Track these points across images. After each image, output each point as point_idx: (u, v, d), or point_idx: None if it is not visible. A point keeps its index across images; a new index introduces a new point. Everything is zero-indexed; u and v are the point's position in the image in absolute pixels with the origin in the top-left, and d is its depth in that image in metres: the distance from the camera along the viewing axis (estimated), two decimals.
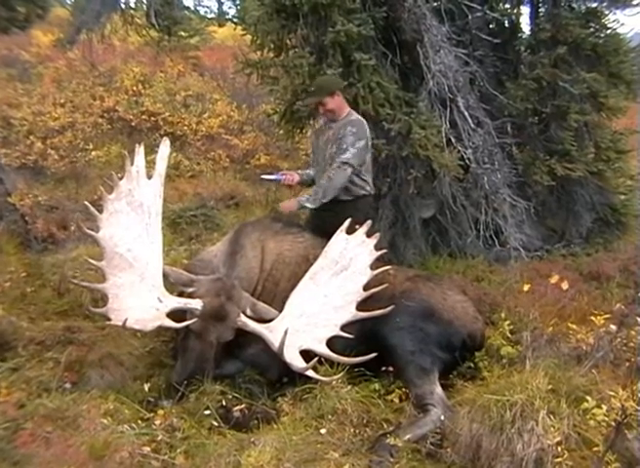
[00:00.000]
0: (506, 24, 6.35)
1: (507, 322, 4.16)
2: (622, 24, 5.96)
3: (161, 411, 3.41)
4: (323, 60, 5.24)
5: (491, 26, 6.30)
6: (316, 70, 5.21)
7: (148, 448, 3.09)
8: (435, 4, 5.80)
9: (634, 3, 5.98)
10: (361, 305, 3.92)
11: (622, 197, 6.43)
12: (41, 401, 3.28)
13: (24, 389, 3.44)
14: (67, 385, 3.60)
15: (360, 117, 4.77)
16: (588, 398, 2.88)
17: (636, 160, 7.46)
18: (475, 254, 5.84)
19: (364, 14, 5.31)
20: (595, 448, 2.81)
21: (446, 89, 5.64)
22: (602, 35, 5.89)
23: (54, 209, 6.03)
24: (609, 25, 5.94)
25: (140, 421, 3.34)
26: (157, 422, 3.32)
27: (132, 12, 9.45)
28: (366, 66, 5.22)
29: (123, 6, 9.21)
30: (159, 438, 3.20)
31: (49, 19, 15.57)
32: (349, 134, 4.57)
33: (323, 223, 4.60)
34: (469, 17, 5.91)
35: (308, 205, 4.55)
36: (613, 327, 3.71)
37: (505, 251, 5.84)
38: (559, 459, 2.82)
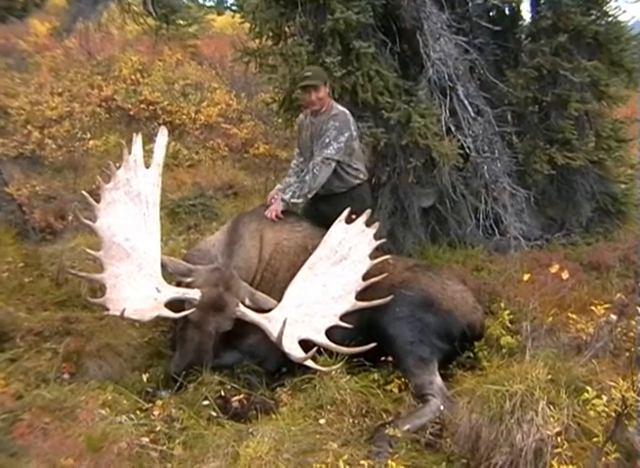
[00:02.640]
0: (507, 12, 6.29)
1: (507, 312, 4.15)
2: (624, 12, 5.92)
3: (159, 402, 3.42)
4: (322, 48, 5.19)
5: (491, 14, 6.24)
6: (315, 58, 5.17)
7: (147, 439, 3.09)
8: None
9: None
10: (360, 295, 3.91)
11: (623, 186, 6.39)
12: (39, 392, 3.28)
13: (22, 380, 3.45)
14: (65, 376, 3.60)
15: (342, 109, 4.67)
16: (588, 388, 2.86)
17: (636, 149, 7.43)
18: (475, 244, 5.81)
19: (363, 1, 5.26)
20: (595, 439, 2.79)
21: (446, 77, 5.62)
22: (603, 23, 5.82)
23: (51, 199, 6.01)
24: (610, 13, 5.89)
25: (138, 412, 3.33)
26: (156, 413, 3.32)
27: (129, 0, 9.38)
28: (365, 54, 5.19)
29: None
30: (157, 428, 3.21)
31: (46, 8, 15.45)
32: (332, 128, 4.50)
33: (319, 215, 4.58)
34: (469, 4, 5.87)
35: (294, 201, 4.47)
36: (613, 316, 3.70)
37: (505, 240, 5.82)
38: (558, 450, 2.80)
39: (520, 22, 6.34)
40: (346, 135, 4.53)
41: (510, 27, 6.20)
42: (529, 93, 5.76)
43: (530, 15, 6.22)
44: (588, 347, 3.64)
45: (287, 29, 5.50)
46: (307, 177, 4.48)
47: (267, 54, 5.64)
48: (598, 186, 6.14)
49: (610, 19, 5.88)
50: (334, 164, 4.52)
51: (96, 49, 10.94)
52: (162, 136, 4.29)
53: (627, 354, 3.53)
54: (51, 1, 16.08)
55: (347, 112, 4.66)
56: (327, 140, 4.49)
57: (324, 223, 4.31)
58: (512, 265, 5.22)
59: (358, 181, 4.79)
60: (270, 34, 5.54)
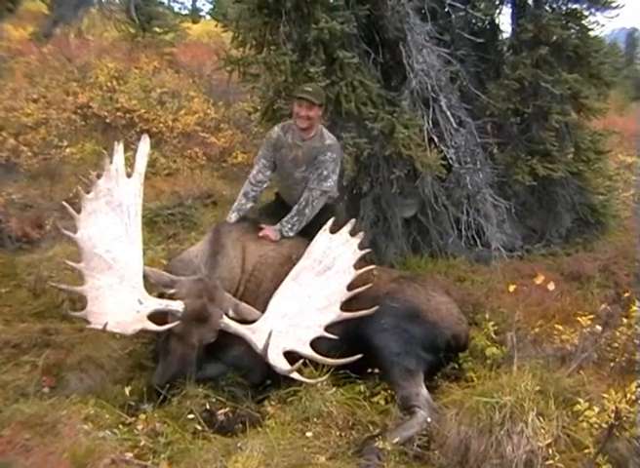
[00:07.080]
0: (488, 25, 6.36)
1: (491, 322, 4.17)
2: (603, 26, 6.02)
3: (143, 416, 3.34)
4: (305, 58, 5.17)
5: (473, 26, 6.30)
6: (298, 68, 5.15)
7: (131, 455, 3.01)
8: (418, 3, 5.77)
9: (613, 5, 6.01)
10: (345, 306, 3.88)
11: (602, 197, 6.50)
12: (18, 406, 3.17)
13: (0, 394, 3.34)
14: (46, 390, 3.51)
15: (333, 137, 4.57)
16: (580, 400, 2.86)
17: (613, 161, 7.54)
18: (456, 254, 5.84)
19: (347, 11, 5.26)
20: (586, 450, 2.80)
21: (428, 88, 5.64)
22: (582, 36, 5.91)
23: (28, 207, 5.87)
24: (589, 27, 5.98)
25: (121, 426, 3.26)
26: (139, 427, 3.25)
27: (110, 6, 9.27)
28: (349, 64, 5.18)
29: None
30: (142, 443, 3.13)
31: (19, 14, 15.25)
32: (330, 160, 4.43)
33: (301, 231, 4.53)
34: (452, 16, 5.92)
35: (291, 234, 4.41)
36: (598, 327, 3.72)
37: (486, 251, 5.85)
38: (549, 461, 2.81)
39: (501, 35, 6.43)
40: (339, 165, 4.55)
41: (492, 39, 6.30)
42: (510, 104, 5.82)
43: (511, 27, 6.30)
44: (573, 358, 3.65)
45: (270, 38, 5.45)
46: (307, 211, 4.43)
47: (250, 63, 5.59)
48: (578, 197, 6.23)
49: (589, 32, 5.97)
50: (329, 194, 4.52)
51: (72, 55, 10.80)
52: (144, 144, 4.21)
53: (612, 364, 3.56)
54: (23, 6, 15.87)
55: (336, 141, 4.59)
56: (325, 173, 4.42)
57: (306, 236, 4.31)
58: (495, 276, 5.25)
59: (338, 194, 4.83)
60: (254, 43, 5.49)
